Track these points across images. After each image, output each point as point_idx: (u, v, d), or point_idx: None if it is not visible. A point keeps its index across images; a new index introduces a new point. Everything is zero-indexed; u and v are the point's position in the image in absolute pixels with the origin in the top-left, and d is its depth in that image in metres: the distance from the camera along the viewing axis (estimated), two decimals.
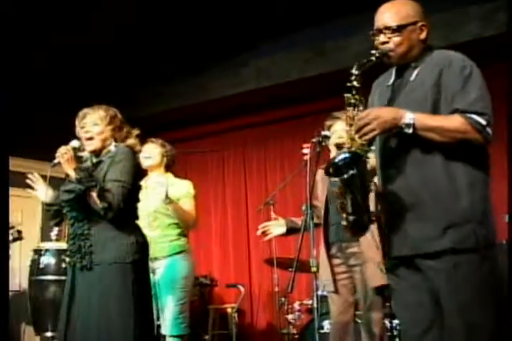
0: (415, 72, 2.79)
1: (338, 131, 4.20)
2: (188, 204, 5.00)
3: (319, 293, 4.17)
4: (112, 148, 3.70)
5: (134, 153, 3.73)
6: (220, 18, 6.97)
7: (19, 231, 6.20)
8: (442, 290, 2.61)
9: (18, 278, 7.87)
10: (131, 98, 8.24)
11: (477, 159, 2.67)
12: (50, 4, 6.29)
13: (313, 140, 4.14)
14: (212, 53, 7.61)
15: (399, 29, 2.76)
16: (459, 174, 2.63)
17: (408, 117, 2.59)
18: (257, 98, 7.76)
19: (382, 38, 2.79)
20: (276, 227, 4.50)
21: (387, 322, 4.57)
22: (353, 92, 2.72)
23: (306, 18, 6.93)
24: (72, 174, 3.48)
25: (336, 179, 2.74)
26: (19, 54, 6.82)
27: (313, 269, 3.80)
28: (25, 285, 7.21)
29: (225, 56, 7.70)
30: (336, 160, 2.66)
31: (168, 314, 4.77)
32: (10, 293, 7.33)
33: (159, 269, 4.86)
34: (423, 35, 2.82)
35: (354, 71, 2.71)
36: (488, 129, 2.60)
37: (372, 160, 2.86)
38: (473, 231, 2.57)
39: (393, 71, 2.93)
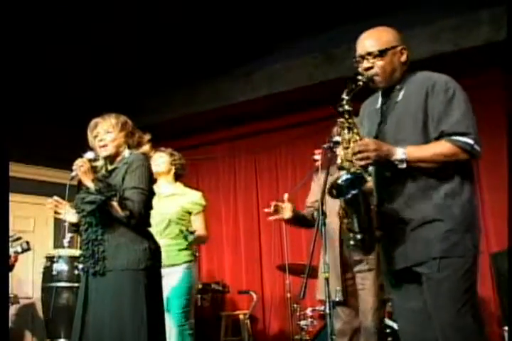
0: (401, 93, 2.91)
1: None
2: (200, 220, 5.10)
3: (332, 299, 4.16)
4: (127, 154, 3.73)
5: (148, 160, 3.77)
6: (231, 24, 6.97)
7: (27, 242, 6.23)
8: (428, 291, 2.75)
9: (31, 285, 7.91)
10: (141, 105, 8.28)
11: (464, 174, 2.80)
12: (52, 16, 6.32)
13: (325, 146, 4.14)
14: (223, 60, 7.62)
15: (381, 54, 2.89)
16: (449, 189, 2.76)
17: (400, 153, 2.72)
18: (268, 104, 7.76)
19: (365, 63, 2.91)
20: (286, 210, 4.46)
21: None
22: (346, 116, 2.82)
23: (316, 24, 6.94)
24: (91, 185, 3.50)
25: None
26: (29, 63, 6.89)
27: (326, 275, 3.79)
28: (37, 292, 7.24)
29: (235, 62, 7.71)
30: (339, 182, 2.74)
31: (173, 321, 4.81)
32: (21, 300, 7.39)
33: (165, 276, 4.85)
34: (404, 58, 2.94)
35: (344, 96, 2.82)
36: (476, 147, 2.71)
37: (370, 180, 2.94)
38: (462, 240, 2.71)
39: (379, 94, 3.03)
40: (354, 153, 2.72)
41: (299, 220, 4.42)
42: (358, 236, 2.80)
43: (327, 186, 2.92)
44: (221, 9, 6.70)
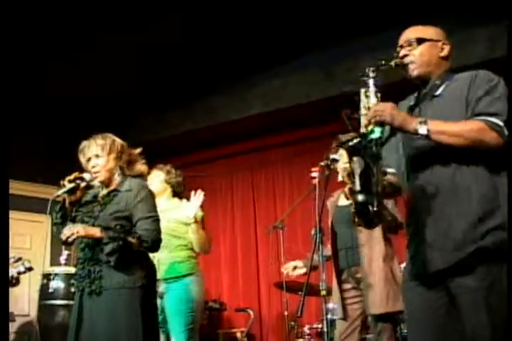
0: (441, 88, 2.80)
1: (345, 154, 4.20)
2: (198, 229, 4.96)
3: (329, 317, 4.14)
4: (121, 178, 3.78)
5: (147, 185, 3.83)
6: (227, 41, 7.00)
7: (29, 262, 6.20)
8: (471, 307, 2.53)
9: (27, 303, 7.86)
10: (136, 123, 8.29)
11: (497, 163, 2.63)
12: (50, 32, 6.35)
13: (322, 163, 4.14)
14: (219, 77, 7.64)
15: (418, 42, 2.83)
16: (498, 182, 2.60)
17: (420, 120, 2.59)
18: (264, 122, 7.78)
19: (402, 51, 2.85)
20: (296, 270, 4.53)
21: None
22: (370, 85, 2.73)
23: (313, 41, 6.98)
24: (102, 235, 3.51)
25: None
26: (26, 83, 6.91)
27: (323, 293, 3.78)
28: (33, 309, 7.20)
29: (231, 80, 7.74)
30: (350, 143, 2.61)
31: (175, 339, 4.70)
32: (17, 318, 7.34)
33: (167, 292, 4.81)
34: (444, 53, 2.87)
35: (369, 72, 2.74)
36: (504, 129, 2.56)
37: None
38: (505, 240, 2.50)
39: (413, 96, 2.94)
40: (369, 111, 2.64)
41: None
42: (359, 198, 2.52)
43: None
44: (216, 27, 6.74)
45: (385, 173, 2.75)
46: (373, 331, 4.21)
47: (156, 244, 3.66)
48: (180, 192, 5.19)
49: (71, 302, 6.08)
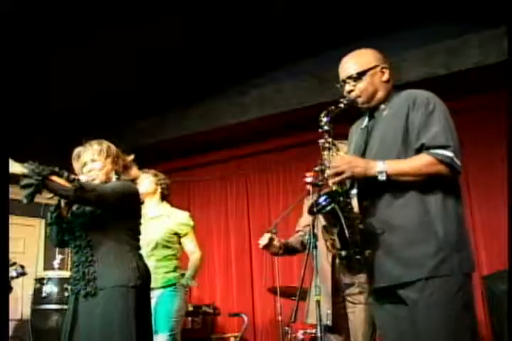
0: (385, 112, 2.93)
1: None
2: (190, 241, 5.11)
3: (323, 322, 4.13)
4: (114, 180, 3.74)
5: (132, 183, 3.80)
6: (222, 47, 7.01)
7: (22, 267, 6.19)
8: (419, 317, 2.66)
9: (20, 307, 7.84)
10: (132, 128, 8.29)
11: (448, 190, 2.76)
12: (48, 33, 6.35)
13: (316, 168, 4.14)
14: (214, 82, 7.65)
15: (359, 76, 2.96)
16: (431, 206, 2.72)
17: (380, 165, 2.71)
18: (259, 126, 7.78)
19: (347, 87, 2.98)
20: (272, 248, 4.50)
21: None
22: (326, 137, 2.90)
23: (308, 47, 7.00)
24: (23, 170, 3.25)
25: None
26: (22, 88, 6.90)
27: (317, 298, 3.77)
28: (26, 313, 7.18)
29: (227, 85, 7.75)
30: (317, 201, 2.80)
31: None
32: (10, 322, 7.32)
33: (153, 299, 4.82)
34: (385, 77, 2.99)
35: (323, 117, 2.92)
36: (456, 160, 2.69)
37: (355, 202, 2.92)
38: (448, 258, 2.64)
39: (366, 116, 3.07)
40: (330, 171, 2.75)
41: (288, 251, 4.51)
42: (343, 253, 2.74)
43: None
44: (212, 32, 6.74)
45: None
46: None
47: (90, 190, 3.38)
48: (167, 196, 5.26)
49: (64, 306, 6.10)
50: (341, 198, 2.76)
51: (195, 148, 8.56)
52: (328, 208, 2.74)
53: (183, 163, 8.76)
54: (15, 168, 3.27)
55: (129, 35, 6.57)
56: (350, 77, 2.96)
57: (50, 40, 6.44)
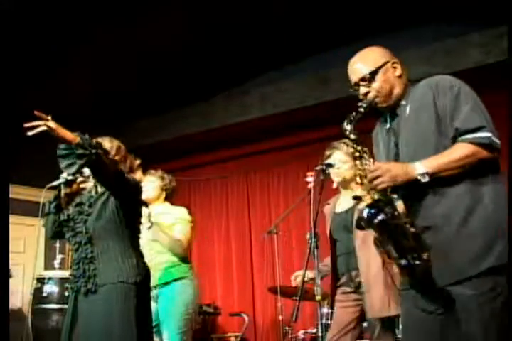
0: (408, 108, 2.82)
1: (336, 160, 4.21)
2: (179, 229, 4.94)
3: (323, 322, 4.13)
4: None
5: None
6: (224, 46, 7.01)
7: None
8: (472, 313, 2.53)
9: (21, 307, 7.84)
10: (133, 127, 8.29)
11: (494, 173, 2.66)
12: (48, 35, 6.34)
13: (317, 168, 4.15)
14: (216, 81, 7.65)
15: (372, 75, 2.85)
16: (483, 194, 2.61)
17: (419, 168, 2.61)
18: (260, 126, 7.78)
19: (362, 89, 2.87)
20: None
21: None
22: (354, 146, 2.78)
23: (309, 46, 7.00)
24: (76, 138, 3.16)
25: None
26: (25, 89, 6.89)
27: (318, 298, 3.77)
28: (26, 313, 7.18)
29: (228, 84, 7.75)
30: (361, 216, 2.66)
31: None
32: (10, 322, 7.31)
33: (160, 295, 4.82)
34: (398, 72, 2.89)
35: (346, 126, 2.77)
36: (494, 139, 2.59)
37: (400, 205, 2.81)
38: (504, 247, 2.52)
39: (387, 115, 2.95)
40: (369, 181, 2.64)
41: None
42: (402, 262, 2.61)
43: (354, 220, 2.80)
44: (213, 32, 6.74)
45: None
46: (371, 336, 4.19)
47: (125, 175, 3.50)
48: (170, 198, 5.22)
49: (65, 306, 6.08)
50: (387, 207, 2.65)
51: (196, 148, 8.56)
52: (377, 221, 2.62)
53: (184, 163, 8.76)
54: (66, 133, 3.19)
55: (130, 35, 6.57)
56: (363, 79, 2.86)
57: (50, 40, 6.43)
